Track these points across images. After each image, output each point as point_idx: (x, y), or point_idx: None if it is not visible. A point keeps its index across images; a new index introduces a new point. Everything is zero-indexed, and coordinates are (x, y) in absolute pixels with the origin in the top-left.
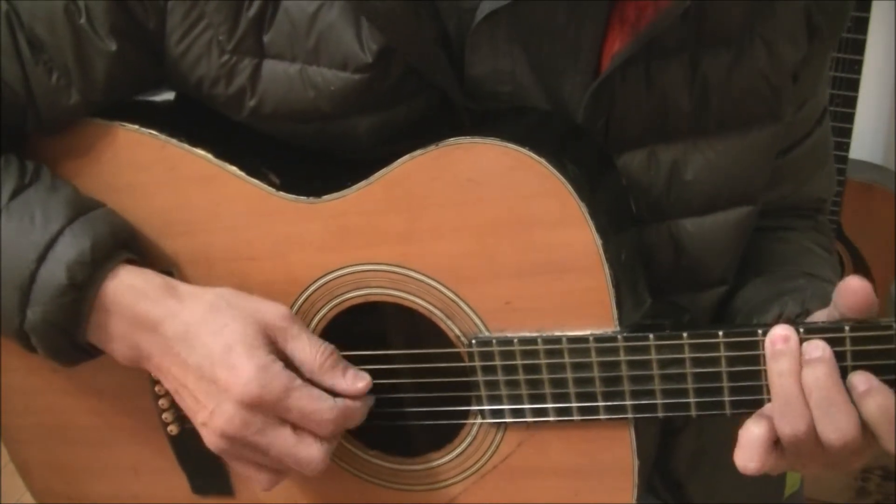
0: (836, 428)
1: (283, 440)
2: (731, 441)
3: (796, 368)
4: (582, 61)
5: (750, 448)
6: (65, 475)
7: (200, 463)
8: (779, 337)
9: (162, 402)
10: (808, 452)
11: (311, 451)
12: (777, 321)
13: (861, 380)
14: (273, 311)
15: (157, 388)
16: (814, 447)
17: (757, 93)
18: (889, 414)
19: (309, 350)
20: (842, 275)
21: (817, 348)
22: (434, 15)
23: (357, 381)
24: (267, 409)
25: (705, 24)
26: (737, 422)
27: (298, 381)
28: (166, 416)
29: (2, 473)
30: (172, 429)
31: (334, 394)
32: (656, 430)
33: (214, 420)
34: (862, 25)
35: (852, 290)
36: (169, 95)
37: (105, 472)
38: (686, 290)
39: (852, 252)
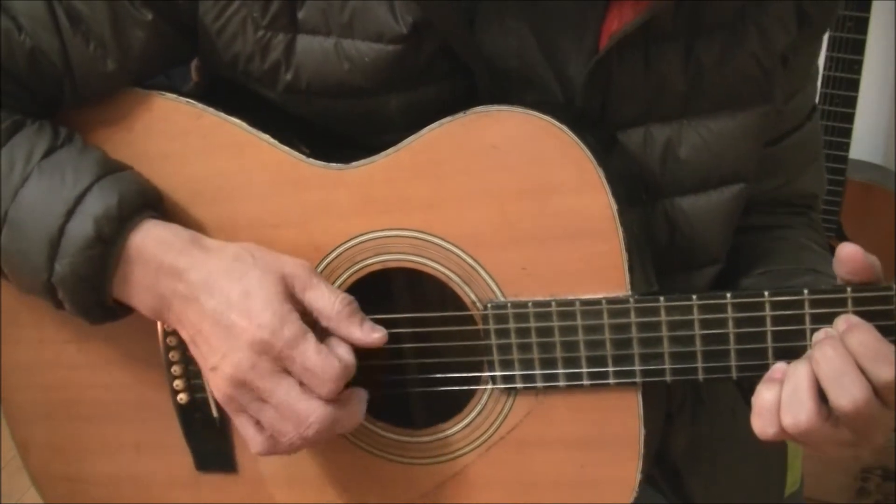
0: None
1: (285, 388)
2: (728, 438)
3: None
4: (585, 40)
5: (767, 413)
6: (65, 454)
7: (207, 435)
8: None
9: (175, 369)
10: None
11: (310, 405)
12: None
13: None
14: (293, 262)
15: (170, 355)
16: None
17: (748, 75)
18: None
19: (328, 297)
20: None
21: (845, 321)
22: None
23: (373, 331)
24: (273, 354)
25: (701, 10)
26: (734, 418)
27: (311, 335)
28: (178, 383)
29: (2, 473)
30: (182, 397)
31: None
32: (662, 399)
33: (224, 364)
34: (862, 25)
35: (848, 256)
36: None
37: (107, 450)
38: (680, 270)
39: None
